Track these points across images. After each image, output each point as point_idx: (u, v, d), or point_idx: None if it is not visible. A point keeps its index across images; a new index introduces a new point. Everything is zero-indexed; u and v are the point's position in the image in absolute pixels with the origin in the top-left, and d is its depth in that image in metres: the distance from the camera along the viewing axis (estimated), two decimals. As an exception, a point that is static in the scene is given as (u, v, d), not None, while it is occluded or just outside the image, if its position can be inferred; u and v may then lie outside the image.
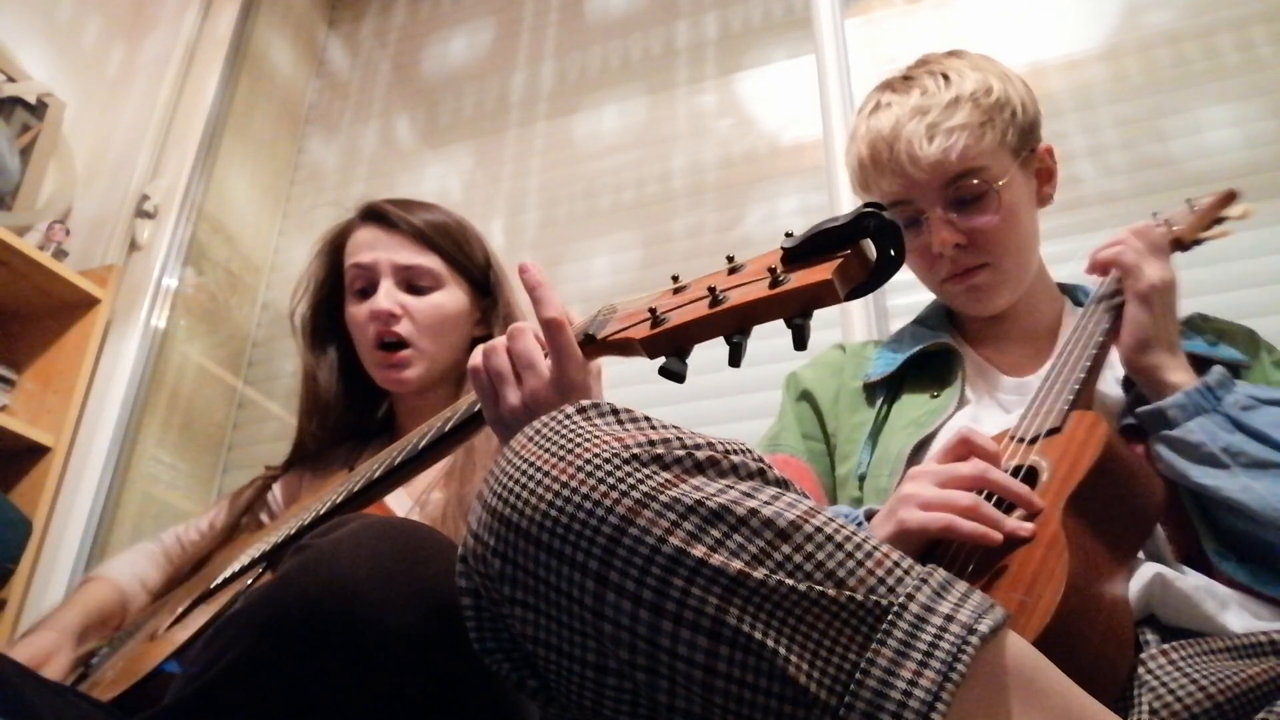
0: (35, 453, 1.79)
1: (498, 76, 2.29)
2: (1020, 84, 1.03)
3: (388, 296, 1.15)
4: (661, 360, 0.63)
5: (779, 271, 0.59)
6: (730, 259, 0.65)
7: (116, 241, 2.07)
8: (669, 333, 0.63)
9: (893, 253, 0.57)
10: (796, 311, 0.58)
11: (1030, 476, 0.75)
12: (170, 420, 2.03)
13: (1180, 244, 1.02)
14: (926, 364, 1.04)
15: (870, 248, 0.58)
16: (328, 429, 1.25)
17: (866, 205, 0.57)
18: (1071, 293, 1.09)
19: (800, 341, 0.58)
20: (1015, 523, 0.69)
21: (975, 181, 0.97)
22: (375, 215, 1.21)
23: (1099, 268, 0.98)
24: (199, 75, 2.28)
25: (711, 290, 0.62)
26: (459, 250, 1.21)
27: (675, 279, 0.68)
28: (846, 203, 1.68)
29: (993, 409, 0.98)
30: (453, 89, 2.33)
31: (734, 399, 1.66)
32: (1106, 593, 0.65)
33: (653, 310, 0.64)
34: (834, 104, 1.79)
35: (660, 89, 2.09)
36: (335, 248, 1.24)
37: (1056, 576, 0.62)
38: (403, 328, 1.15)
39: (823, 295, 0.57)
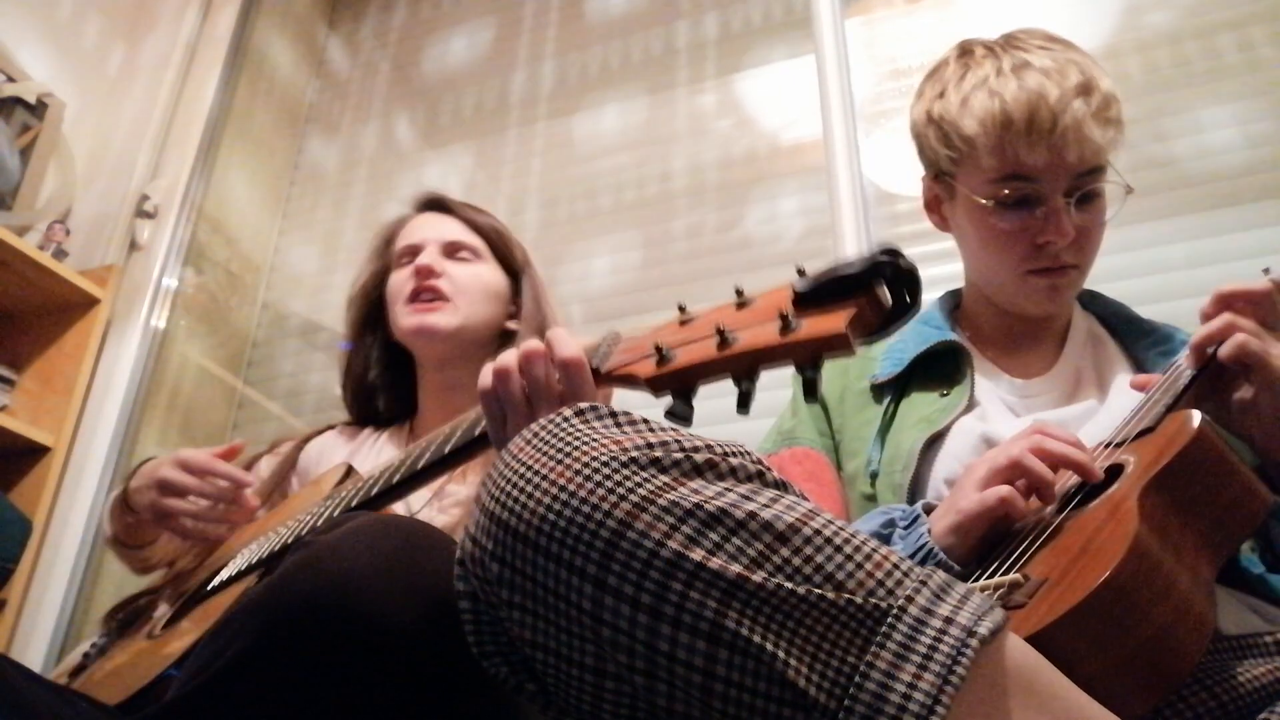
0: (35, 453, 1.79)
1: (498, 76, 2.29)
2: None
3: (429, 255, 1.19)
4: (668, 399, 0.62)
5: (790, 316, 0.57)
6: (739, 292, 0.63)
7: (116, 241, 2.07)
8: (675, 373, 0.62)
9: (908, 299, 0.56)
10: (807, 360, 0.57)
11: (1114, 473, 0.71)
12: (170, 420, 2.03)
13: None
14: (933, 363, 1.04)
15: (885, 293, 0.56)
16: (371, 408, 1.29)
17: (882, 251, 0.55)
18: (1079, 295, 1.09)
19: (810, 392, 0.57)
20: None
21: (1100, 182, 0.96)
22: (430, 203, 1.29)
23: (1210, 358, 0.80)
24: (199, 75, 2.28)
25: (720, 330, 0.60)
26: (503, 244, 1.27)
27: (682, 309, 0.66)
28: (846, 203, 1.67)
29: (1000, 409, 0.97)
30: (453, 89, 2.33)
31: (732, 399, 1.65)
32: (1183, 572, 0.59)
33: (659, 347, 0.63)
34: (834, 104, 1.79)
35: (660, 89, 2.09)
36: (390, 237, 1.29)
37: (1122, 536, 0.58)
38: (442, 283, 1.18)
39: (835, 345, 0.55)
